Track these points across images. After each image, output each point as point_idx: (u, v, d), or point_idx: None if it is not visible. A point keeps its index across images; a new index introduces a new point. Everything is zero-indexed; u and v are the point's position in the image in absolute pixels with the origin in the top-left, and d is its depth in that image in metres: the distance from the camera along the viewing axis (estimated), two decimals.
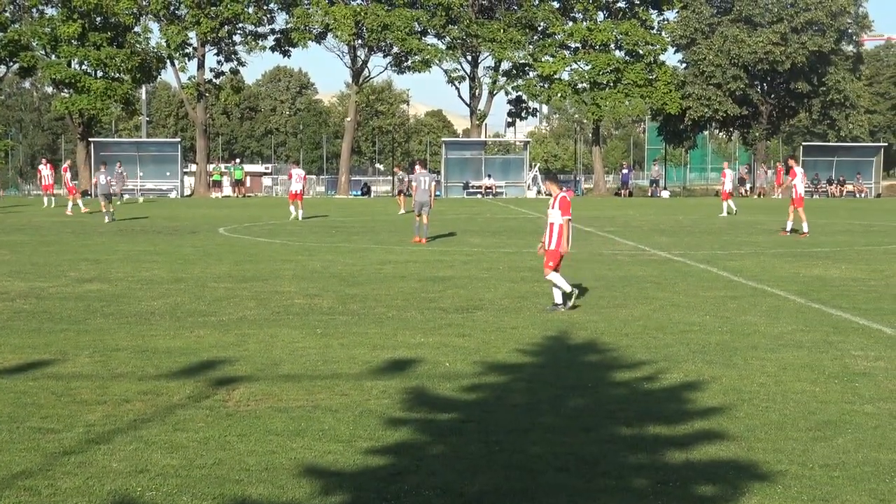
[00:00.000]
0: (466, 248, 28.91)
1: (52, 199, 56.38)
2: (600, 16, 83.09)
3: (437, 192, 36.47)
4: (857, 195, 77.87)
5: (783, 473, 8.13)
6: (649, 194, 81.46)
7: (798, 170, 35.39)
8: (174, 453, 8.59)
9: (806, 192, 76.30)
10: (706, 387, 11.08)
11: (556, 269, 16.95)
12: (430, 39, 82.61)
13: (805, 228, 33.54)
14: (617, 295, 18.47)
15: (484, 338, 14.08)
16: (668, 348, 13.25)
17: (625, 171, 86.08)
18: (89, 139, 78.11)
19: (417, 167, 33.52)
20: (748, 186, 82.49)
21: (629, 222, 41.67)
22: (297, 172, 46.26)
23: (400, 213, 49.27)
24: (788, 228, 34.32)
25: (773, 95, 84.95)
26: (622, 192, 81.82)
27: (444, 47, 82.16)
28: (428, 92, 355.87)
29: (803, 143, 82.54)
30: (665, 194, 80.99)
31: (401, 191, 53.55)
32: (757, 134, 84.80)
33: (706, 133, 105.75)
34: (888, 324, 15.10)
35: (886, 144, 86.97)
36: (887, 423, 9.61)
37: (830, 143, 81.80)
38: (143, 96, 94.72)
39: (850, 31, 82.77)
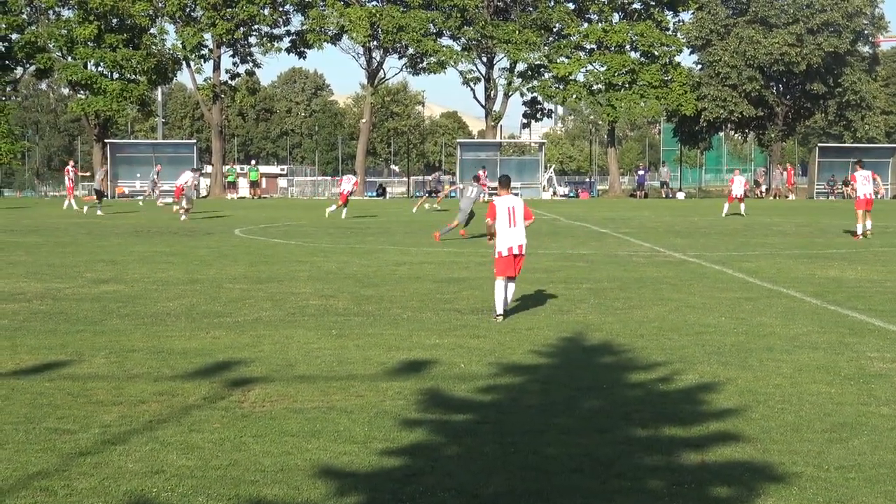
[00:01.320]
0: (482, 249, 28.90)
1: (73, 201, 56.59)
2: (615, 17, 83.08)
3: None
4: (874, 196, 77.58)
5: (799, 475, 8.12)
6: (663, 196, 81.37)
7: (858, 174, 34.99)
8: (190, 454, 8.62)
9: (821, 193, 76.51)
10: (721, 388, 11.07)
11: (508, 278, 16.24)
12: (446, 41, 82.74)
13: (859, 230, 33.27)
14: (632, 296, 18.46)
15: (499, 339, 14.08)
16: (684, 349, 13.24)
17: (640, 172, 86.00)
18: (105, 140, 78.37)
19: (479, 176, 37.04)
20: (764, 188, 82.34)
21: (644, 224, 41.65)
22: (350, 178, 49.31)
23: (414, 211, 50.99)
24: (860, 231, 33.50)
25: (788, 96, 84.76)
26: (637, 193, 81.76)
27: (459, 48, 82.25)
28: (443, 93, 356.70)
29: (819, 145, 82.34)
30: (680, 195, 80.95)
31: (430, 191, 55.21)
32: (772, 135, 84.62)
33: (721, 134, 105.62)
34: None
35: None
36: None
37: (846, 145, 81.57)
38: (159, 98, 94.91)
39: (865, 32, 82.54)
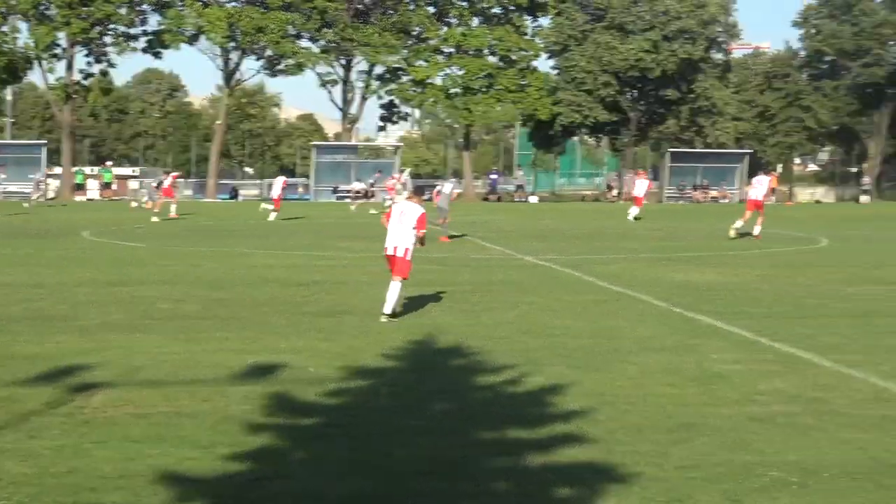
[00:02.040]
0: (336, 252, 28.84)
1: None
2: (475, 21, 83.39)
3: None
4: (721, 200, 79.30)
5: (641, 475, 8.24)
6: (516, 199, 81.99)
7: (756, 179, 36.87)
8: (28, 461, 8.42)
9: (672, 197, 77.89)
10: (568, 390, 11.18)
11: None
12: (305, 43, 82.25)
13: (756, 231, 34.60)
14: (485, 299, 18.57)
15: (350, 342, 14.05)
16: (533, 352, 13.35)
17: (494, 176, 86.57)
18: None
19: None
20: (616, 192, 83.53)
21: (498, 227, 41.95)
22: (281, 179, 50.87)
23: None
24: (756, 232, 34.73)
25: (642, 102, 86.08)
26: (491, 197, 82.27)
27: (318, 51, 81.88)
28: (300, 95, 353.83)
29: (670, 150, 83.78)
30: (534, 199, 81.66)
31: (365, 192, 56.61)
32: (626, 140, 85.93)
33: (576, 139, 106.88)
34: (746, 327, 15.40)
35: (752, 151, 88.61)
36: (743, 425, 9.79)
37: (697, 150, 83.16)
38: (9, 97, 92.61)
39: (719, 39, 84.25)
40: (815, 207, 73.25)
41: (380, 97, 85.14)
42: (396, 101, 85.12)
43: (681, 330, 15.24)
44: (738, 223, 34.86)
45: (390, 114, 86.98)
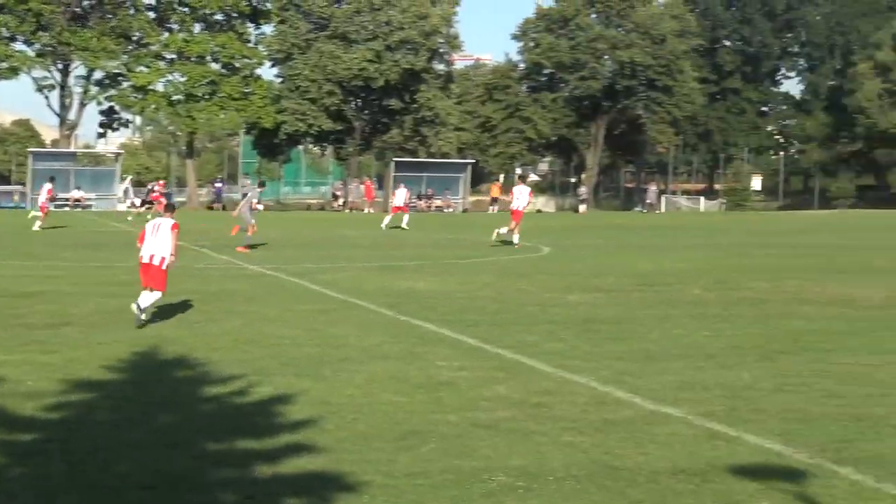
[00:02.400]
0: (56, 262, 27.95)
1: None
2: (197, 27, 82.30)
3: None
4: (446, 210, 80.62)
5: (369, 483, 8.25)
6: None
7: (516, 189, 37.73)
8: None
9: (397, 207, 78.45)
10: (296, 399, 11.12)
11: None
12: (19, 46, 79.39)
13: (515, 239, 35.36)
14: (208, 310, 18.29)
15: (71, 355, 13.62)
16: (259, 362, 13.24)
17: (218, 184, 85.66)
18: None
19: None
20: (341, 201, 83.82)
21: (223, 236, 41.42)
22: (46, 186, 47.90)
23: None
24: (516, 240, 35.45)
25: (366, 111, 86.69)
26: (215, 205, 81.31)
27: (33, 54, 79.19)
28: (15, 100, 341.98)
29: (395, 159, 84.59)
30: (259, 208, 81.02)
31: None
32: (350, 149, 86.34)
33: (301, 147, 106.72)
34: (471, 334, 15.64)
35: (474, 161, 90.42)
36: (469, 431, 9.92)
37: (421, 160, 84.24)
38: None
39: (441, 50, 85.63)
40: (536, 217, 75.17)
41: (99, 103, 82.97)
42: (117, 108, 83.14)
43: (407, 338, 15.36)
44: (503, 229, 35.88)
45: (110, 120, 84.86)
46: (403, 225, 47.87)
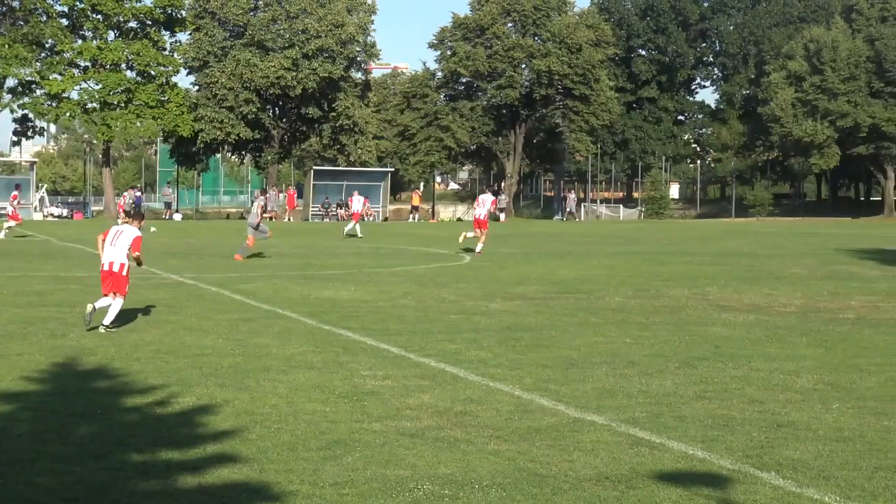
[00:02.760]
0: None
1: None
2: (111, 35, 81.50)
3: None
4: (366, 219, 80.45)
5: (294, 493, 8.21)
6: (165, 217, 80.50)
7: (481, 197, 39.47)
8: None
9: (317, 215, 78.43)
10: (219, 410, 11.04)
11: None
12: None
13: (479, 248, 36.31)
14: (128, 319, 18.08)
15: None
16: (181, 372, 13.12)
17: (137, 194, 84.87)
18: None
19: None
20: (266, 208, 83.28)
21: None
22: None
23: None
24: (479, 249, 36.32)
25: (284, 120, 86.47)
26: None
27: None
28: None
29: (314, 168, 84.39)
30: (177, 217, 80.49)
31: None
32: (269, 158, 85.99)
33: (219, 156, 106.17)
34: (395, 343, 15.63)
35: (393, 169, 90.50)
36: (394, 440, 9.90)
37: (340, 168, 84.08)
38: None
39: (358, 58, 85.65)
40: (457, 225, 75.37)
41: (13, 111, 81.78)
42: (31, 116, 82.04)
43: (330, 347, 15.31)
44: (470, 234, 37.35)
45: (24, 129, 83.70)
46: (357, 233, 48.86)
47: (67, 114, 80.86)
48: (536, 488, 8.45)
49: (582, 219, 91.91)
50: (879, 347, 15.82)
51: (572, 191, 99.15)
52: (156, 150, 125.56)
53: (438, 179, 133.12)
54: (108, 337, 16.04)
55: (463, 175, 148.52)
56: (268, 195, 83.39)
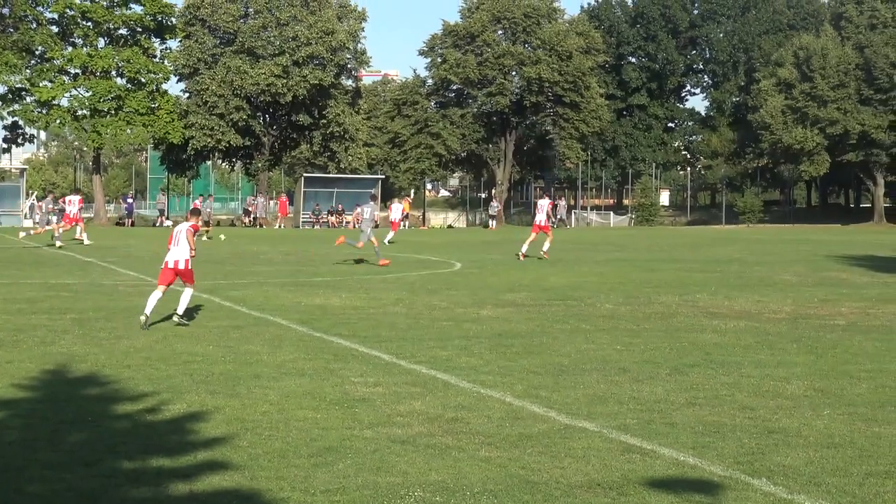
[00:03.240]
0: None
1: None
2: (101, 42, 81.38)
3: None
4: (356, 225, 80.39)
5: (285, 501, 8.21)
6: (157, 224, 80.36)
7: (540, 203, 39.91)
8: None
9: (307, 222, 78.43)
10: (210, 417, 11.02)
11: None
12: None
13: (524, 249, 37.49)
14: (118, 326, 18.08)
15: None
16: (172, 379, 13.10)
17: (129, 200, 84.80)
18: None
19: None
20: (253, 217, 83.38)
21: (131, 252, 41.03)
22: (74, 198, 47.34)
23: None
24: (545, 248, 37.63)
25: (275, 127, 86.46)
26: (126, 221, 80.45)
27: None
28: None
29: (305, 175, 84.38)
30: (168, 223, 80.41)
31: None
32: (259, 165, 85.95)
33: (209, 163, 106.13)
34: (385, 350, 15.62)
35: (384, 177, 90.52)
36: (385, 446, 9.89)
37: (331, 175, 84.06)
38: None
39: (349, 66, 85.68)
40: (447, 232, 75.46)
41: (2, 118, 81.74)
42: (21, 123, 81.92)
43: (321, 354, 15.30)
44: (546, 244, 37.97)
45: (14, 135, 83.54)
46: (388, 239, 48.96)
47: (57, 121, 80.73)
48: (528, 495, 8.45)
49: (572, 226, 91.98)
50: (870, 354, 15.85)
51: (562, 198, 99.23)
52: (146, 158, 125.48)
53: (429, 186, 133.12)
54: (99, 344, 16.01)
55: (453, 182, 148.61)
56: (256, 203, 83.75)
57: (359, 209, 39.79)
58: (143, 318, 17.94)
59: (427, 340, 16.82)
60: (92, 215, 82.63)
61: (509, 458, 9.52)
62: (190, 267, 19.05)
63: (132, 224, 79.39)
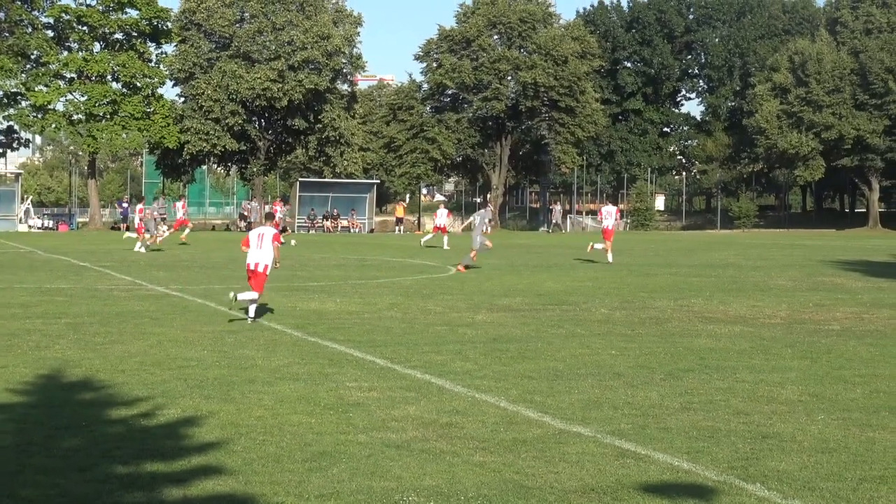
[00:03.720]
0: None
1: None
2: (97, 46, 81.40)
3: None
4: (352, 230, 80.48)
5: None
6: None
7: (605, 209, 41.19)
8: None
9: (303, 227, 78.41)
10: (204, 422, 11.01)
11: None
12: None
13: (610, 258, 38.21)
14: (113, 331, 18.06)
15: None
16: (166, 384, 13.08)
17: (124, 205, 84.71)
18: None
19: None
20: (248, 221, 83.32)
21: (126, 257, 41.00)
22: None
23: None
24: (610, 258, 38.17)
25: (270, 131, 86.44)
26: (121, 226, 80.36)
27: None
28: None
29: (300, 179, 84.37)
30: (163, 228, 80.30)
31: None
32: (255, 169, 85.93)
33: (205, 167, 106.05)
34: (380, 355, 15.62)
35: (379, 181, 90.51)
36: (379, 451, 9.88)
37: (326, 180, 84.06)
38: None
39: (344, 70, 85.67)
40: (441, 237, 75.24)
41: None
42: (16, 127, 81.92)
43: (316, 359, 15.29)
44: (599, 245, 39.11)
45: (10, 140, 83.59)
46: (445, 245, 49.54)
47: (53, 125, 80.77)
48: (522, 500, 8.45)
49: (567, 230, 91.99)
50: (864, 359, 15.86)
51: (558, 202, 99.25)
52: (142, 162, 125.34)
53: (424, 191, 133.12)
54: (93, 349, 16.00)
55: (449, 187, 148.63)
56: (250, 208, 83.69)
57: (471, 217, 39.41)
58: (232, 295, 19.54)
59: (422, 345, 16.82)
60: (87, 220, 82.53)
61: (504, 463, 9.52)
62: (267, 273, 20.08)
63: (127, 228, 79.25)
